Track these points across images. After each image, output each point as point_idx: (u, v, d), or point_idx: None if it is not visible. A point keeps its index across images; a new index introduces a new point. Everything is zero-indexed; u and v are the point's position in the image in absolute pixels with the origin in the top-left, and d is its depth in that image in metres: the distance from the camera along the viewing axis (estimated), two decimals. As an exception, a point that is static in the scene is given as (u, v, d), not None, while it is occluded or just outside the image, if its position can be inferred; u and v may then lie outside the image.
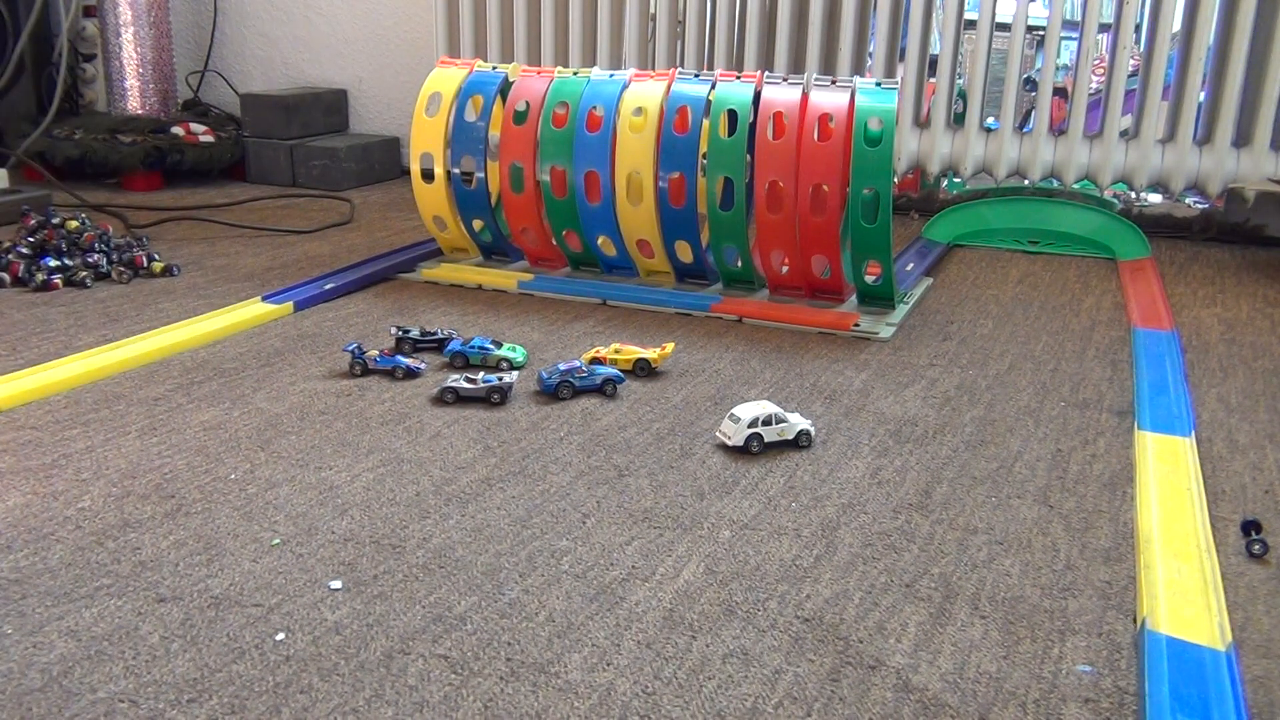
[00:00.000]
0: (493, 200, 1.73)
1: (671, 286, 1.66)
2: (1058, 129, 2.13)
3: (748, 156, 1.53)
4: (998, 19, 2.10)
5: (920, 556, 0.88)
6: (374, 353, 1.29)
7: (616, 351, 1.31)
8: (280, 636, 0.75)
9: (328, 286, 1.62)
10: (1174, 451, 1.09)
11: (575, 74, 1.65)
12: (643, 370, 1.29)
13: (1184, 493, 1.00)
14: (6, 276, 1.63)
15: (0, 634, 0.75)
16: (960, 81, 2.25)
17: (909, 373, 1.33)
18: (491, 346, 1.31)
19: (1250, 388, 1.30)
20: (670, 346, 1.31)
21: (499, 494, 0.98)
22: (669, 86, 1.58)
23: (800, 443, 1.09)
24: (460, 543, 0.89)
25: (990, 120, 2.18)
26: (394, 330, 1.37)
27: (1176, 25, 2.04)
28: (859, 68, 2.20)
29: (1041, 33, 2.28)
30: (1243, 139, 2.03)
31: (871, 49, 2.20)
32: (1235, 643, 0.77)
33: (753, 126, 1.53)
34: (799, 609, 0.80)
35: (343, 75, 2.76)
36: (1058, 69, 2.21)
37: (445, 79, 1.70)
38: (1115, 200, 2.23)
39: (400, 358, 1.28)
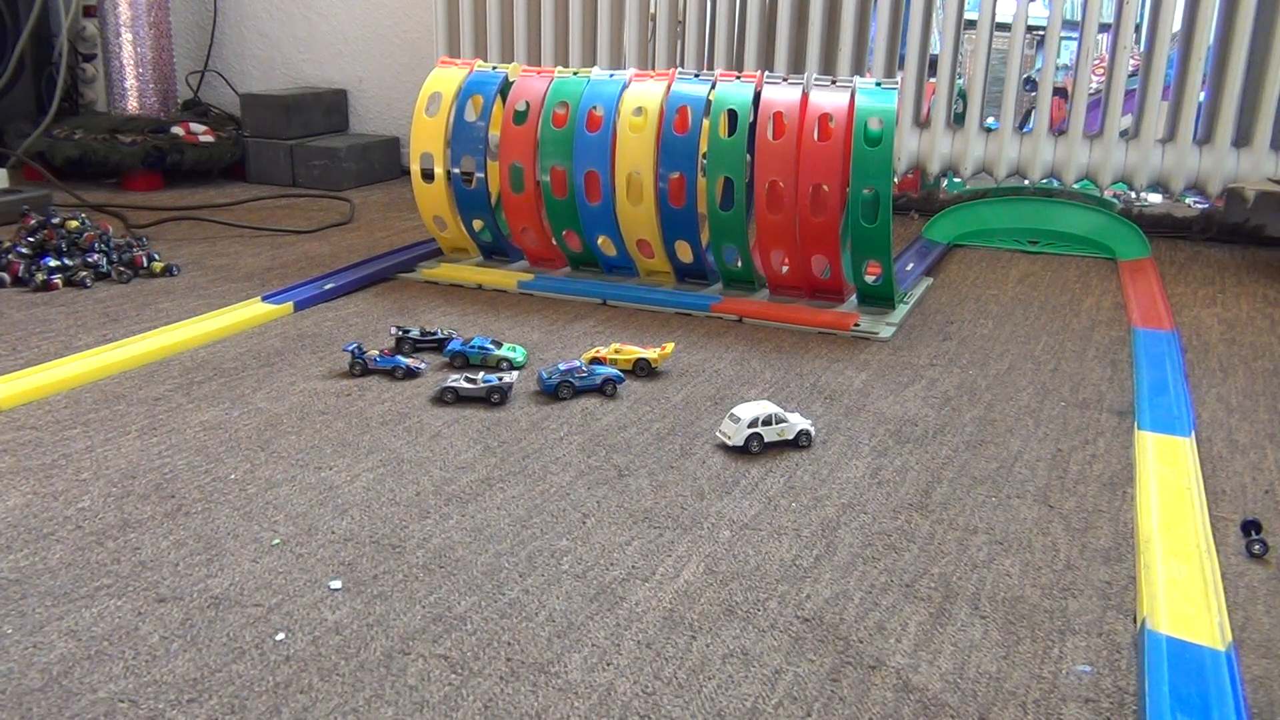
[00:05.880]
0: (493, 200, 1.73)
1: (671, 286, 1.66)
2: (1058, 129, 2.13)
3: (748, 156, 1.53)
4: (998, 19, 2.10)
5: (920, 556, 0.88)
6: (374, 353, 1.29)
7: (616, 351, 1.31)
8: (280, 636, 0.75)
9: (328, 286, 1.62)
10: (1174, 451, 1.09)
11: (575, 74, 1.65)
12: (643, 370, 1.29)
13: (1184, 493, 1.00)
14: (6, 276, 1.63)
15: (0, 634, 0.75)
16: (960, 81, 2.25)
17: (909, 373, 1.33)
18: (491, 346, 1.31)
19: (1250, 388, 1.30)
20: (670, 346, 1.31)
21: (499, 494, 0.98)
22: (669, 86, 1.58)
23: (800, 443, 1.09)
24: (460, 543, 0.89)
25: (990, 120, 2.19)
26: (394, 330, 1.37)
27: (1176, 25, 2.04)
28: (859, 68, 2.20)
29: (1041, 33, 2.28)
30: (1243, 139, 2.03)
31: (872, 49, 2.20)
32: (1235, 643, 0.77)
33: (753, 126, 1.53)
34: (799, 609, 0.80)
35: (343, 75, 2.76)
36: (1058, 69, 2.21)
37: (445, 79, 1.70)
38: (1115, 200, 2.23)
39: (400, 358, 1.28)
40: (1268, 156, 2.00)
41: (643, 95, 1.57)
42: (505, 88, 1.70)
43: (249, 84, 2.85)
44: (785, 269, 1.57)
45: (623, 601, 0.81)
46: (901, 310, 1.57)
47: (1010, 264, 1.92)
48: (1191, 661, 0.74)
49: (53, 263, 1.65)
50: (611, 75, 1.63)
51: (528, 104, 1.63)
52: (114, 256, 1.72)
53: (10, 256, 1.67)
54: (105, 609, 0.78)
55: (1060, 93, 2.40)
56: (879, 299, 1.56)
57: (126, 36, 2.48)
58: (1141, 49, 2.12)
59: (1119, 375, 1.34)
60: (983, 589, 0.84)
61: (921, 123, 2.19)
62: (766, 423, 1.08)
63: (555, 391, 1.21)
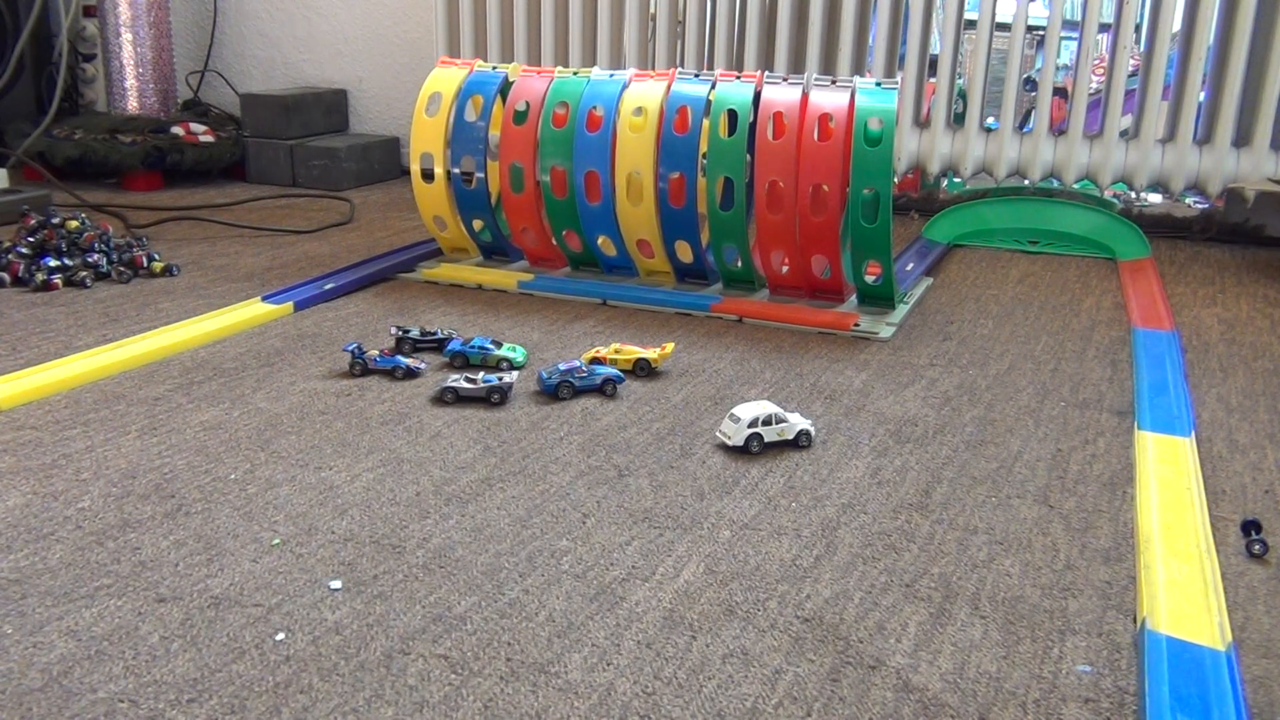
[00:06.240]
0: (493, 200, 1.73)
1: (671, 286, 1.66)
2: (1058, 129, 2.13)
3: (748, 156, 1.53)
4: (998, 19, 2.10)
5: (920, 556, 0.88)
6: (374, 353, 1.29)
7: (616, 351, 1.31)
8: (280, 636, 0.75)
9: (328, 286, 1.62)
10: (1174, 451, 1.09)
11: (575, 74, 1.65)
12: (643, 370, 1.29)
13: (1184, 493, 1.00)
14: (6, 276, 1.63)
15: (0, 634, 0.75)
16: (960, 81, 2.25)
17: (909, 373, 1.33)
18: (491, 346, 1.31)
19: (1250, 388, 1.30)
20: (670, 346, 1.31)
21: (499, 494, 0.98)
22: (669, 86, 1.58)
23: (800, 443, 1.09)
24: (460, 543, 0.89)
25: (990, 120, 2.18)
26: (394, 330, 1.37)
27: (1176, 25, 2.04)
28: (859, 68, 2.20)
29: (1041, 33, 2.28)
30: (1243, 139, 2.03)
31: (872, 49, 2.20)
32: (1235, 643, 0.77)
33: (753, 126, 1.53)
34: (799, 609, 0.80)
35: (343, 75, 2.76)
36: (1058, 69, 2.21)
37: (445, 79, 1.70)
38: (1115, 200, 2.23)
39: (400, 358, 1.28)
40: (1268, 156, 2.00)
41: (643, 95, 1.57)
42: (505, 88, 1.70)
43: (249, 84, 2.85)
44: (785, 269, 1.57)
45: (623, 601, 0.81)
46: (901, 310, 1.57)
47: (1010, 264, 1.92)
48: (1191, 661, 0.74)
49: (53, 263, 1.65)
50: (611, 75, 1.63)
51: (528, 104, 1.63)
52: (114, 256, 1.72)
53: (10, 256, 1.67)
54: (105, 609, 0.78)
55: (1060, 93, 2.40)
56: (879, 299, 1.56)
57: (126, 36, 2.48)
58: (1141, 49, 2.12)
59: (1119, 375, 1.34)
60: (983, 589, 0.84)
61: (921, 123, 2.19)
62: (766, 423, 1.08)
63: (555, 391, 1.21)
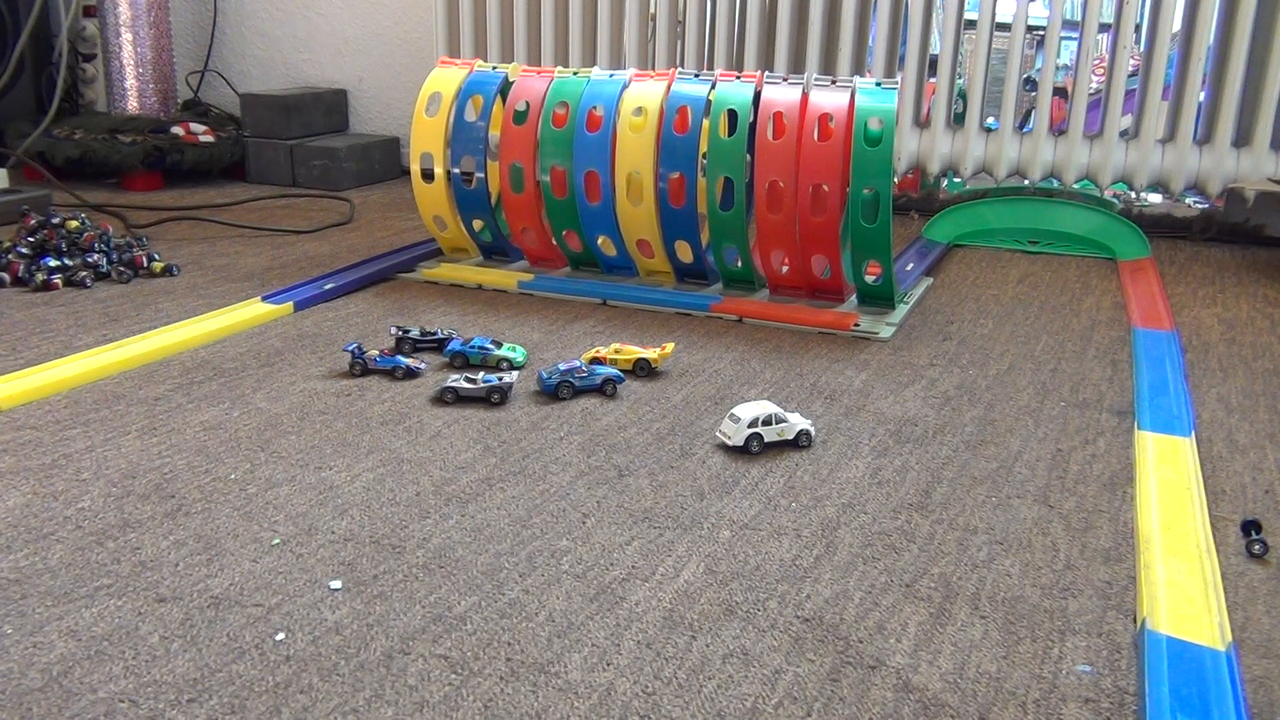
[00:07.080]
0: (493, 200, 1.73)
1: (671, 286, 1.66)
2: (1058, 129, 2.13)
3: (748, 156, 1.53)
4: (998, 19, 2.10)
5: (920, 556, 0.88)
6: (374, 353, 1.29)
7: (616, 351, 1.31)
8: (280, 636, 0.75)
9: (328, 286, 1.62)
10: (1174, 451, 1.09)
11: (575, 74, 1.65)
12: (643, 370, 1.29)
13: (1184, 493, 1.00)
14: (6, 276, 1.63)
15: (0, 634, 0.75)
16: (960, 81, 2.25)
17: (909, 373, 1.33)
18: (491, 346, 1.31)
19: (1250, 388, 1.30)
20: (670, 346, 1.31)
21: (499, 494, 0.98)
22: (669, 86, 1.58)
23: (800, 443, 1.09)
24: (460, 543, 0.89)
25: (990, 120, 2.18)
26: (394, 330, 1.37)
27: (1176, 25, 2.04)
28: (859, 68, 2.20)
29: (1041, 33, 2.28)
30: (1243, 139, 2.03)
31: (872, 49, 2.20)
32: (1235, 643, 0.77)
33: (753, 126, 1.53)
34: (799, 609, 0.80)
35: (343, 75, 2.76)
36: (1058, 69, 2.21)
37: (445, 79, 1.70)
38: (1115, 200, 2.23)
39: (400, 358, 1.28)
40: (1268, 156, 2.00)
41: (643, 95, 1.57)
42: (505, 88, 1.70)
43: (249, 84, 2.85)
44: (785, 269, 1.57)
45: (623, 601, 0.81)
46: (901, 310, 1.57)
47: (1010, 264, 1.92)
48: (1191, 661, 0.74)
49: (53, 263, 1.65)
50: (611, 75, 1.63)
51: (528, 104, 1.63)
52: (114, 256, 1.72)
53: (10, 256, 1.67)
54: (105, 609, 0.78)
55: (1060, 93, 2.40)
56: (879, 299, 1.56)
57: (126, 36, 2.48)
58: (1141, 49, 2.12)
59: (1119, 375, 1.34)
60: (983, 589, 0.84)
61: (921, 123, 2.19)
62: (766, 423, 1.08)
63: (555, 391, 1.21)
